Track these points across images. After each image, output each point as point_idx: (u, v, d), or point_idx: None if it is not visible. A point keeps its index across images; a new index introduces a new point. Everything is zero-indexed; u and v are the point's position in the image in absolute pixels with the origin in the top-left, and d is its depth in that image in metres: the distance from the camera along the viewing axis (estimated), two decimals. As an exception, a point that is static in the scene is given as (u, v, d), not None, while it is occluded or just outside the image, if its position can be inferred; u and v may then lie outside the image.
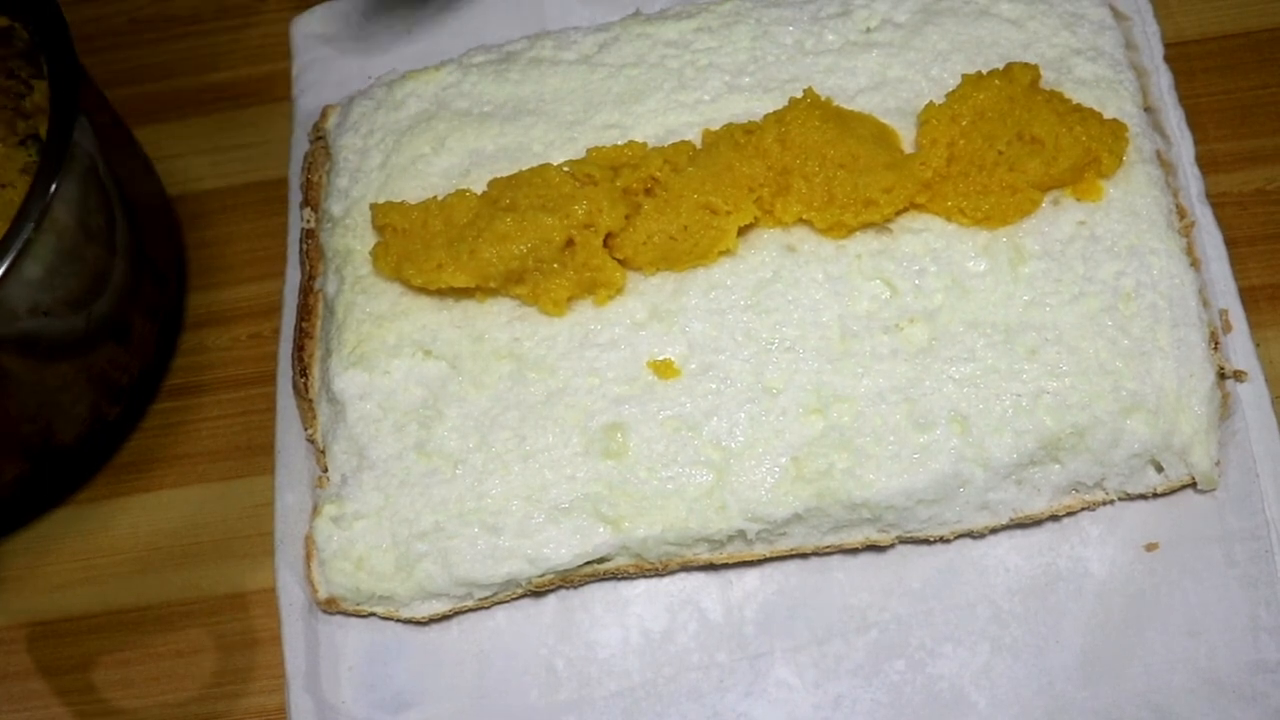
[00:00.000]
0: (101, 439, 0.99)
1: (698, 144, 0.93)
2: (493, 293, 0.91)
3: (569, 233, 0.88)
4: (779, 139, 0.90)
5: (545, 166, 0.92)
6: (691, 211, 0.88)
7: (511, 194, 0.91)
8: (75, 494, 1.00)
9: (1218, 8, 1.04)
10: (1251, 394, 0.87)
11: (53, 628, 0.96)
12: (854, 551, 0.87)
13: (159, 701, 0.92)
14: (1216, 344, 0.87)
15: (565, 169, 0.92)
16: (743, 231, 0.90)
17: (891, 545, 0.86)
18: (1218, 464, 0.84)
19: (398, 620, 0.89)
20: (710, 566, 0.88)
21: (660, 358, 0.88)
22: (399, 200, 0.95)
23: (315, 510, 0.90)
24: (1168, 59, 0.97)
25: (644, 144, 0.93)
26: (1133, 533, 0.85)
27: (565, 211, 0.88)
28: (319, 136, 1.05)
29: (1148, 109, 0.94)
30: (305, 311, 0.98)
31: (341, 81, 1.09)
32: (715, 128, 0.94)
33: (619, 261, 0.90)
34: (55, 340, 0.86)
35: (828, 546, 0.86)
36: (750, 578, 0.88)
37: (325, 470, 0.92)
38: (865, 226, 0.90)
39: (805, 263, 0.90)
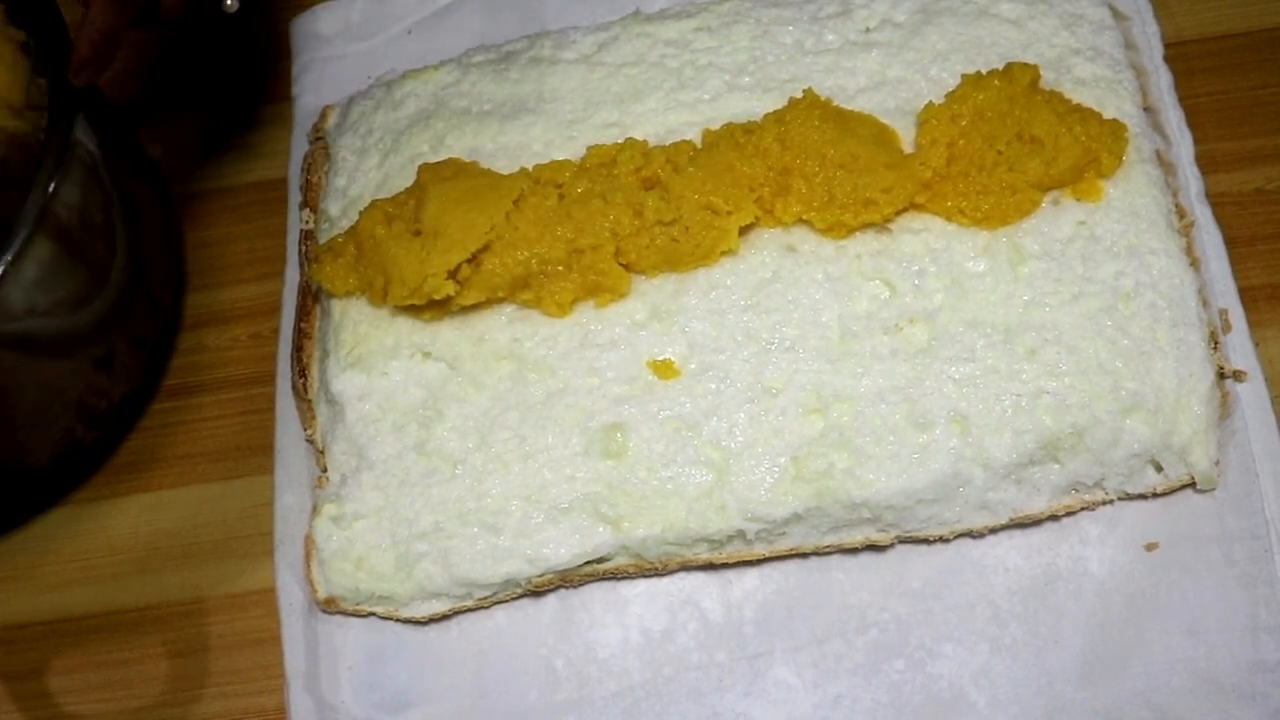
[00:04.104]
0: (75, 461, 0.99)
1: (697, 143, 0.93)
2: (496, 298, 0.91)
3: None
4: (779, 139, 0.90)
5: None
6: (693, 212, 0.88)
7: None
8: (74, 494, 1.00)
9: (1218, 8, 1.04)
10: (1251, 394, 0.87)
11: (52, 628, 0.96)
12: (854, 551, 0.87)
13: (158, 701, 0.92)
14: (1216, 344, 0.87)
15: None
16: (742, 231, 0.90)
17: (891, 545, 0.86)
18: (1217, 464, 0.84)
19: (397, 620, 0.89)
20: (710, 566, 0.88)
21: (660, 358, 0.88)
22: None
23: (315, 510, 0.90)
24: (1167, 59, 0.97)
25: (644, 142, 0.93)
26: (1132, 533, 0.85)
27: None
28: (318, 137, 1.05)
29: (1147, 109, 0.94)
30: (304, 312, 0.98)
31: (341, 81, 1.08)
32: (715, 127, 0.94)
33: (623, 266, 0.90)
34: (47, 344, 0.86)
35: (827, 546, 0.86)
36: (750, 577, 0.88)
37: (325, 470, 0.92)
38: (865, 226, 0.90)
39: (805, 263, 0.90)
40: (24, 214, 0.80)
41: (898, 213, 0.89)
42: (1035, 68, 0.91)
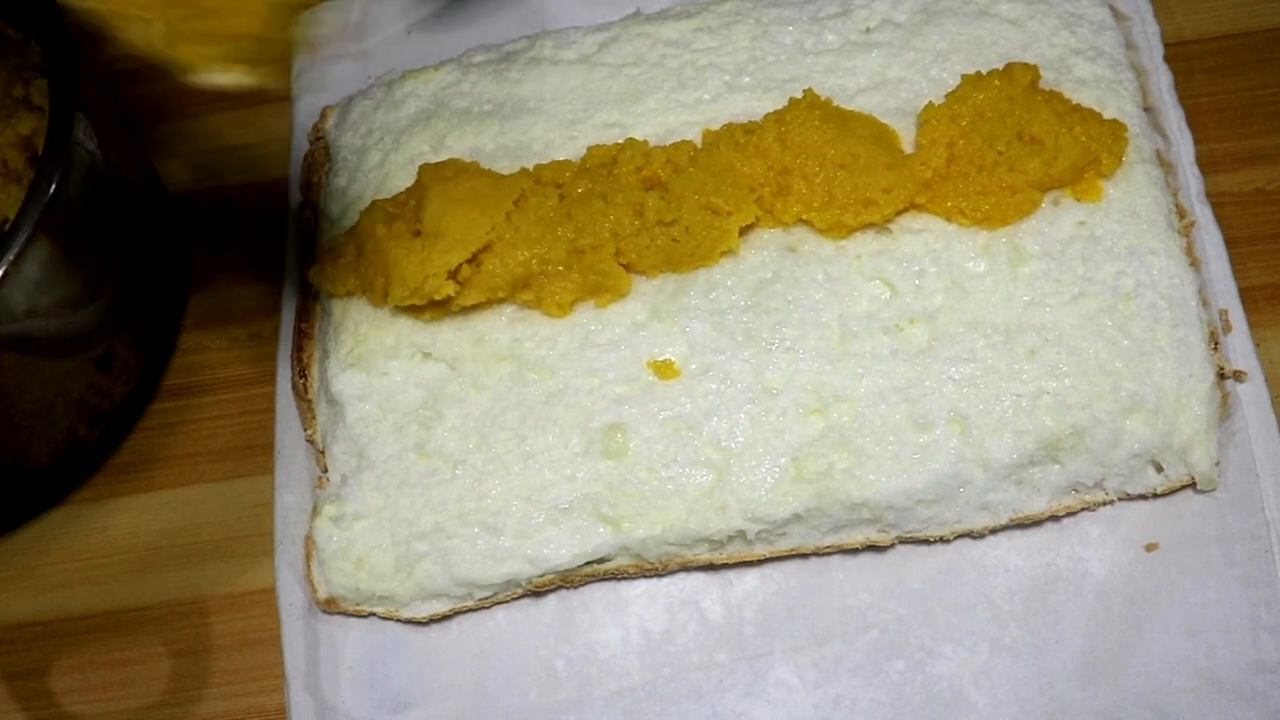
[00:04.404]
0: (76, 461, 0.99)
1: (698, 144, 0.93)
2: (497, 299, 0.91)
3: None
4: (779, 139, 0.90)
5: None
6: (693, 212, 0.88)
7: None
8: (75, 494, 1.00)
9: (1217, 8, 1.04)
10: (1251, 394, 0.87)
11: (53, 628, 0.96)
12: (854, 552, 0.87)
13: (158, 701, 0.92)
14: (1216, 344, 0.87)
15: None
16: (743, 232, 0.90)
17: (891, 546, 0.86)
18: (1217, 464, 0.84)
19: (398, 620, 0.89)
20: (710, 567, 0.88)
21: (660, 358, 0.88)
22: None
23: (315, 510, 0.90)
24: (1167, 59, 0.97)
25: (645, 142, 0.93)
26: (1133, 533, 0.85)
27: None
28: (318, 137, 1.05)
29: (1147, 109, 0.94)
30: (304, 312, 0.98)
31: (341, 81, 1.09)
32: (715, 127, 0.94)
33: (623, 267, 0.90)
34: (48, 344, 0.86)
35: (828, 547, 0.86)
36: (750, 578, 0.88)
37: (325, 470, 0.92)
38: (865, 227, 0.89)
39: (805, 263, 0.90)
40: (25, 214, 0.80)
41: (898, 213, 0.89)
42: (1035, 68, 0.91)
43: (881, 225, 0.90)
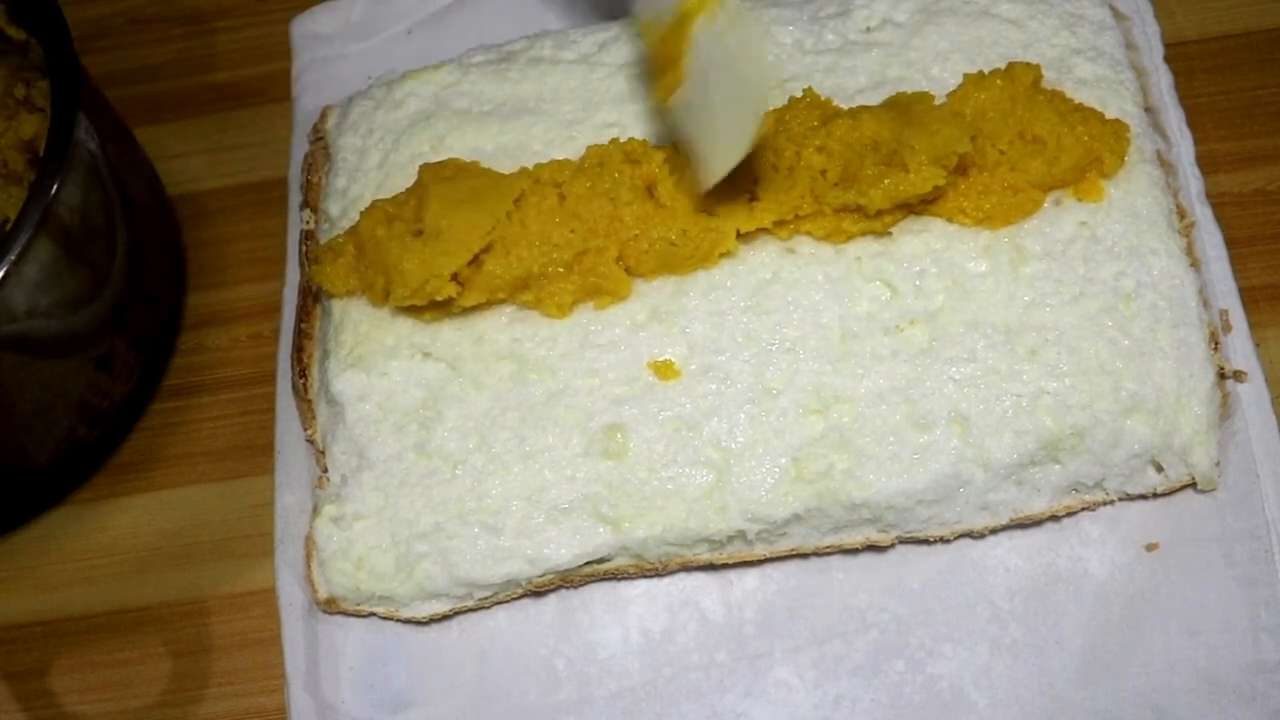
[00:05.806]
0: (76, 461, 1.00)
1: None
2: (497, 299, 0.91)
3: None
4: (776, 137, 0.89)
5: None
6: (691, 215, 0.88)
7: None
8: (75, 494, 1.00)
9: (1218, 8, 1.04)
10: (1251, 394, 0.87)
11: (53, 628, 0.96)
12: (854, 552, 0.87)
13: (159, 701, 0.92)
14: (1216, 344, 0.87)
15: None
16: (741, 233, 0.90)
17: (891, 546, 0.86)
18: (1218, 464, 0.84)
19: (398, 620, 0.89)
20: (710, 567, 0.88)
21: (660, 358, 0.88)
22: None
23: (315, 510, 0.90)
24: (1168, 59, 0.97)
25: (644, 141, 0.93)
26: (1133, 533, 0.85)
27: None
28: (318, 137, 1.05)
29: (1148, 109, 0.94)
30: (304, 312, 0.98)
31: (341, 81, 1.09)
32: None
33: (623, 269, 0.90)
34: (49, 344, 0.86)
35: (828, 547, 0.86)
36: (750, 578, 0.88)
37: (325, 470, 0.91)
38: (865, 234, 0.89)
39: (804, 264, 0.89)
40: (26, 215, 0.80)
41: (896, 221, 0.89)
42: (1037, 67, 0.91)
43: (881, 230, 0.89)
